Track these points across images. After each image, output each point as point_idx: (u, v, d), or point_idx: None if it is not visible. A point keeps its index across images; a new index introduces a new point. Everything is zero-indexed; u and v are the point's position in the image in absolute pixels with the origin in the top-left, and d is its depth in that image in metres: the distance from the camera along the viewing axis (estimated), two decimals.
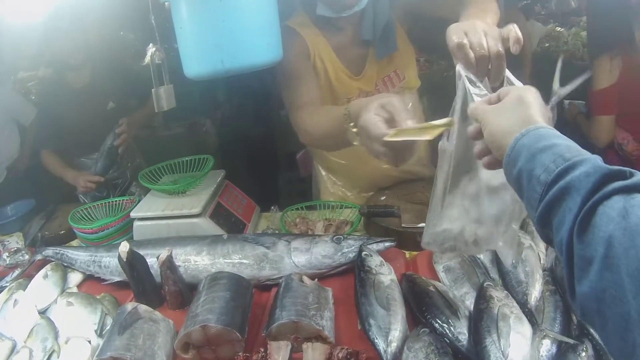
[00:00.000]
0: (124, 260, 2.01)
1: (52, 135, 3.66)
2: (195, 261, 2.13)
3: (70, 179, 3.55)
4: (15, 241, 3.06)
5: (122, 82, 3.64)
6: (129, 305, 1.84)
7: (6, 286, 2.37)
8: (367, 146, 1.71)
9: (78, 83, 3.52)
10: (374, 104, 1.66)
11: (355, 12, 2.38)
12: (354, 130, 1.79)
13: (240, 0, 1.93)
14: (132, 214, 2.55)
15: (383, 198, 2.49)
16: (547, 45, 6.86)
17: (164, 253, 2.00)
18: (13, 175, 4.32)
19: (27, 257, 2.66)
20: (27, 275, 2.44)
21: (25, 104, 4.18)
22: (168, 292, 2.03)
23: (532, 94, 1.24)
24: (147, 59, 1.96)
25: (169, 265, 1.99)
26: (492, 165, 1.30)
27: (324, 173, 2.92)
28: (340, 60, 2.50)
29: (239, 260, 2.08)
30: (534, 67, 5.74)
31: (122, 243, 2.04)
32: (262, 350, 1.59)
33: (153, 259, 2.11)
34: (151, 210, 2.53)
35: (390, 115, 1.62)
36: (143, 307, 1.84)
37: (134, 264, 2.03)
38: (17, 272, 2.53)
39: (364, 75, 2.55)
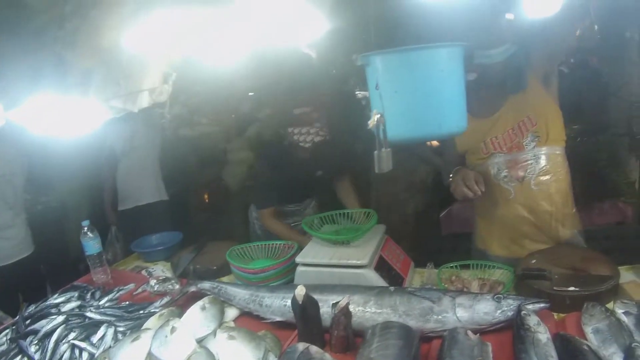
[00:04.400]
0: (299, 302, 2.20)
1: (270, 193, 3.76)
2: (362, 310, 2.31)
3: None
4: (160, 270, 3.29)
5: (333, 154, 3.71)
6: (300, 346, 2.04)
7: (156, 311, 2.58)
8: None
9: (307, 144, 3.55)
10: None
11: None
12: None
13: (440, 71, 2.11)
14: (297, 259, 2.76)
15: (533, 261, 2.65)
16: None
17: (343, 300, 2.18)
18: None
19: (177, 286, 2.87)
20: (177, 305, 2.64)
21: None
22: (336, 336, 2.19)
23: None
24: (372, 123, 2.13)
25: (345, 312, 2.17)
26: None
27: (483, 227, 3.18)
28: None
29: (405, 311, 2.25)
30: None
31: (299, 287, 2.24)
32: None
33: (321, 304, 2.29)
34: (317, 257, 2.73)
35: None
36: (314, 348, 2.04)
37: (307, 307, 2.22)
38: (166, 299, 2.74)
39: (497, 117, 2.92)
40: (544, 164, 2.88)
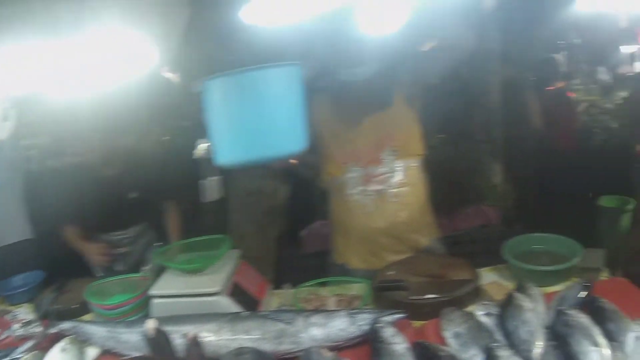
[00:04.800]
0: (150, 336, 2.13)
1: (75, 212, 3.69)
2: (216, 338, 2.23)
3: (88, 250, 3.63)
4: (24, 312, 3.10)
5: (147, 174, 3.66)
6: None
7: (19, 357, 2.45)
8: None
9: (109, 172, 3.55)
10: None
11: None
12: None
13: (273, 94, 2.12)
14: (151, 292, 2.65)
15: (391, 273, 2.64)
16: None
17: (192, 331, 2.12)
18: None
19: (40, 329, 2.70)
20: (40, 348, 2.50)
21: None
22: None
23: None
24: (199, 153, 2.08)
25: (195, 342, 2.11)
26: None
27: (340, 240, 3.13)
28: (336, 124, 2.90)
29: (259, 336, 2.19)
30: None
31: (150, 320, 2.17)
32: None
33: (175, 335, 2.22)
34: (171, 288, 2.64)
35: None
36: None
37: (159, 340, 2.15)
38: (30, 343, 2.58)
39: (358, 134, 2.91)
40: (401, 177, 2.90)
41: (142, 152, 3.74)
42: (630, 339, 1.88)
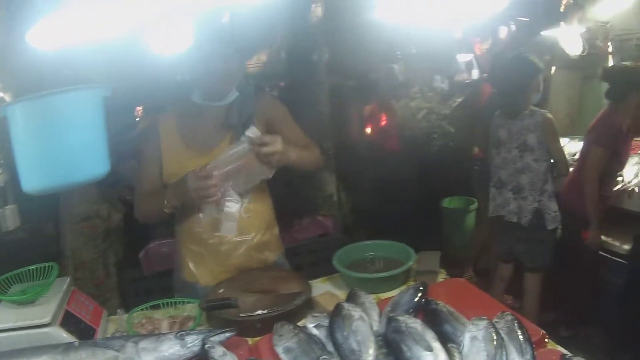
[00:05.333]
0: None
1: None
2: None
3: None
4: None
5: None
6: None
7: None
8: (193, 194, 2.59)
9: None
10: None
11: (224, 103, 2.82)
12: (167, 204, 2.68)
13: (69, 119, 2.10)
14: None
15: (221, 291, 2.64)
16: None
17: None
18: None
19: None
20: None
21: None
22: None
23: None
24: None
25: None
26: None
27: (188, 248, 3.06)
28: (186, 142, 2.87)
29: None
30: None
31: None
32: None
33: None
34: (2, 322, 2.52)
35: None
36: None
37: None
38: None
39: (213, 152, 2.82)
40: (250, 196, 2.92)
41: None
42: (466, 339, 1.91)
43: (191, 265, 3.03)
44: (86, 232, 5.00)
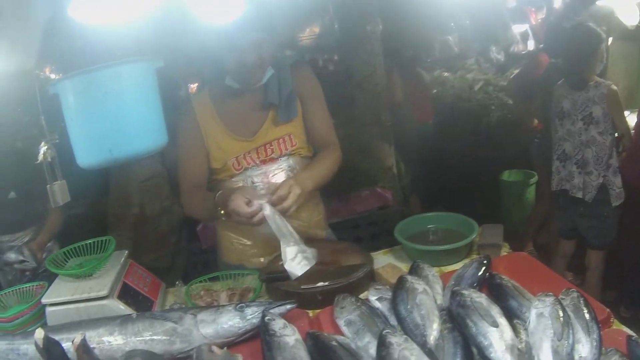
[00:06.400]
0: (40, 346, 2.00)
1: None
2: (109, 342, 2.14)
3: None
4: None
5: (22, 169, 3.59)
6: None
7: None
8: (236, 221, 2.49)
9: None
10: (236, 194, 2.44)
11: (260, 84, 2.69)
12: (222, 213, 2.54)
13: (123, 92, 2.06)
14: (43, 300, 2.56)
15: (281, 263, 2.57)
16: (435, 90, 7.17)
17: (77, 337, 2.00)
18: None
19: None
20: None
21: None
22: None
23: None
24: (40, 157, 2.02)
25: (83, 349, 2.00)
26: None
27: (230, 235, 3.01)
28: (228, 126, 2.78)
29: (150, 337, 2.11)
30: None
31: (37, 330, 2.04)
32: None
33: (69, 343, 2.09)
34: (61, 295, 2.54)
35: (249, 199, 2.40)
36: None
37: (50, 349, 2.02)
38: None
39: (257, 136, 2.78)
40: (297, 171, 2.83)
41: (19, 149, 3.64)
42: (532, 315, 1.84)
43: (235, 247, 3.00)
44: (152, 190, 5.05)
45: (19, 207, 3.58)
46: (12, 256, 3.49)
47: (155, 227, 5.02)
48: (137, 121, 2.13)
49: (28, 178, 3.58)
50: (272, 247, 2.70)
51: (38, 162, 2.11)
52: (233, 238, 2.99)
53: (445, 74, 7.71)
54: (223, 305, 2.23)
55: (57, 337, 2.09)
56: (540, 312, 1.83)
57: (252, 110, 2.82)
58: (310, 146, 2.93)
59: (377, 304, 2.13)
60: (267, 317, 2.02)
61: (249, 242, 2.95)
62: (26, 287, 2.95)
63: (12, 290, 2.94)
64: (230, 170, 2.83)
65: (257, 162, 2.81)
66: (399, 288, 2.09)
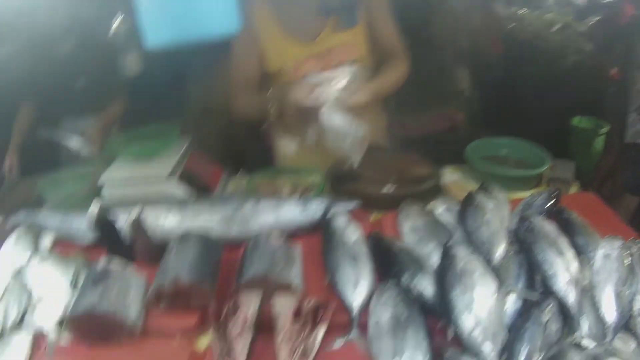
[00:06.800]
0: (95, 219, 2.02)
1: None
2: (164, 222, 2.14)
3: None
4: None
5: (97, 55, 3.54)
6: (103, 261, 1.88)
7: None
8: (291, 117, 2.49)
9: (60, 54, 3.37)
10: (298, 85, 2.44)
11: None
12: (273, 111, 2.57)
13: None
14: (101, 180, 2.56)
15: (346, 164, 2.52)
16: (511, 26, 7.02)
17: (133, 212, 2.01)
18: None
19: None
20: None
21: None
22: (138, 250, 2.04)
23: None
24: (115, 27, 1.99)
25: (138, 223, 2.01)
26: None
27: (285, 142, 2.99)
28: (287, 28, 2.70)
29: (207, 219, 2.10)
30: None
31: (93, 202, 2.05)
32: (233, 301, 1.64)
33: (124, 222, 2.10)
34: (120, 174, 2.55)
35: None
36: (116, 262, 1.87)
37: (104, 223, 2.04)
38: None
39: (317, 41, 2.70)
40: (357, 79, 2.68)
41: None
42: (599, 255, 1.77)
43: (293, 155, 2.96)
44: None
45: (87, 94, 3.55)
46: (74, 141, 3.49)
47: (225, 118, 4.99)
48: (209, 2, 2.07)
49: (100, 65, 3.51)
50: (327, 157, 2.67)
51: (113, 32, 2.07)
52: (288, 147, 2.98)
53: (522, 10, 7.54)
54: (285, 197, 2.23)
55: (111, 216, 2.08)
56: (607, 254, 1.77)
57: (311, 15, 2.72)
58: (373, 55, 2.84)
59: (444, 216, 2.08)
60: (330, 212, 2.01)
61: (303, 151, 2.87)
62: (85, 170, 2.94)
63: (68, 172, 2.95)
64: (287, 76, 2.75)
65: (317, 69, 2.71)
66: (468, 204, 2.02)
